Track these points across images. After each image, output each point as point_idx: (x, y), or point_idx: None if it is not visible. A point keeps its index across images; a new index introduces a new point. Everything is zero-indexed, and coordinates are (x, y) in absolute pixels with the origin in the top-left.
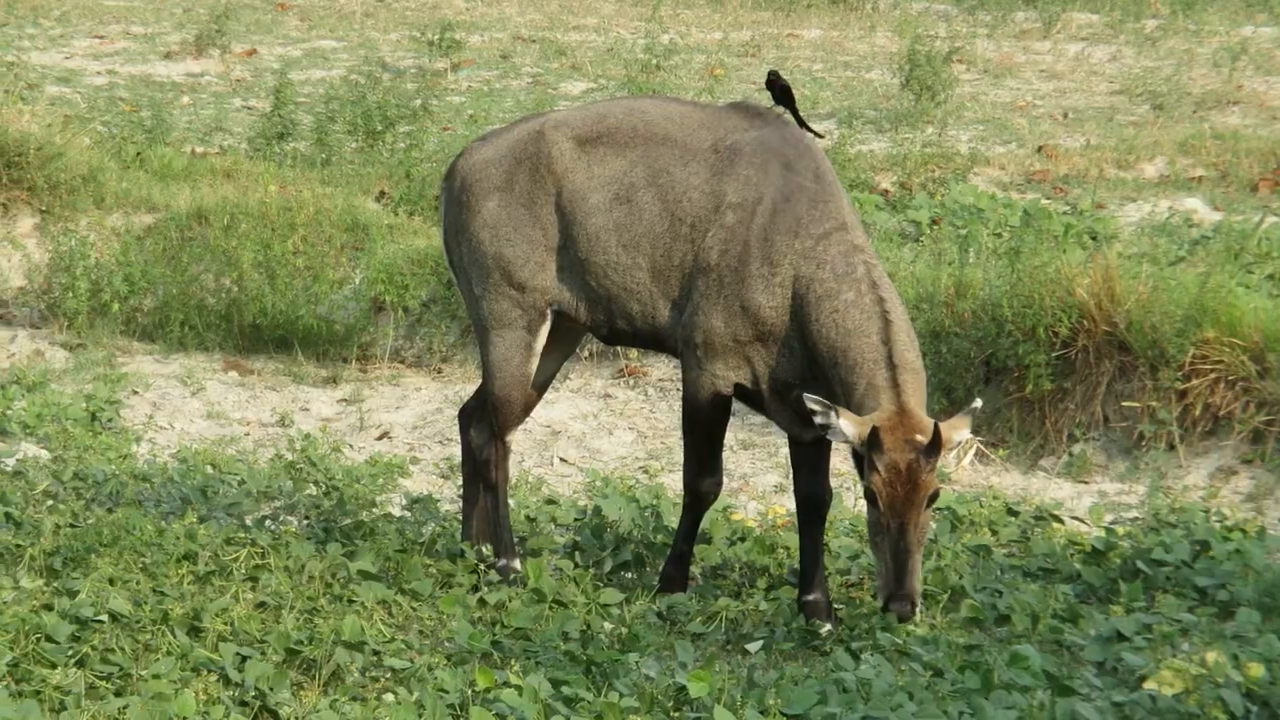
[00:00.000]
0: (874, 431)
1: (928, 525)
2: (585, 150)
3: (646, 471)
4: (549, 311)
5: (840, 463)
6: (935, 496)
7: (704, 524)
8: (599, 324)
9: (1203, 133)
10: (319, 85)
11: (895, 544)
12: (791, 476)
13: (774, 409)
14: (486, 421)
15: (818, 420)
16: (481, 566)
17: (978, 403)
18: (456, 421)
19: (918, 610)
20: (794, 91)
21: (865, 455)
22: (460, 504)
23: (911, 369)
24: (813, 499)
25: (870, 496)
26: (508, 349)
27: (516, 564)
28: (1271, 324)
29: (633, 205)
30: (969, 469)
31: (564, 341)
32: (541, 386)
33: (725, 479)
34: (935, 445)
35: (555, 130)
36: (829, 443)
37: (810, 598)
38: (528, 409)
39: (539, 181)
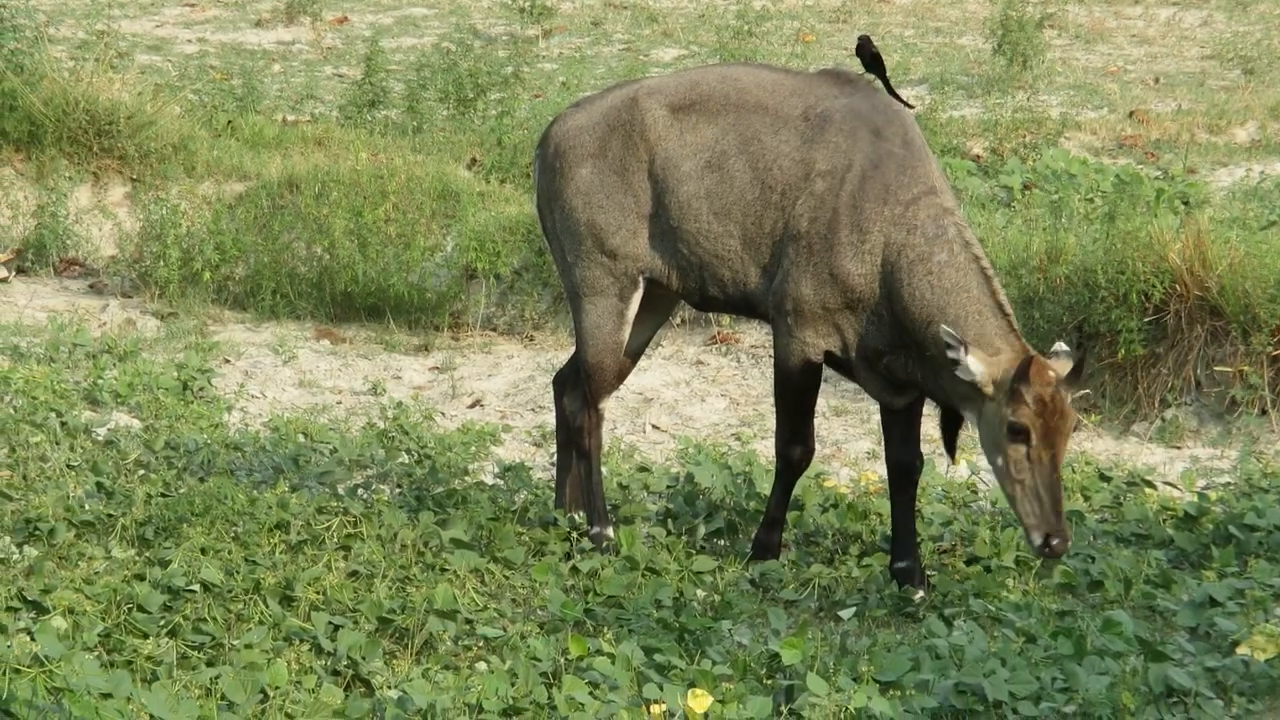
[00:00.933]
0: (1024, 364)
1: None
2: (678, 117)
3: (739, 438)
4: (641, 279)
5: (932, 429)
6: (1077, 427)
7: (796, 491)
8: (691, 291)
9: None
10: (410, 53)
11: (1049, 477)
12: (883, 443)
13: (864, 376)
14: (580, 389)
15: (950, 355)
16: (574, 534)
17: (1060, 346)
18: (549, 389)
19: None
20: (884, 58)
21: (1009, 391)
22: (553, 471)
23: (1013, 317)
24: (904, 465)
25: (1017, 432)
26: (600, 316)
27: (610, 532)
28: None
29: (724, 173)
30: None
31: (657, 309)
32: (635, 354)
33: (818, 445)
34: (1078, 372)
35: (649, 97)
36: (920, 408)
37: (902, 564)
38: (621, 376)
39: (632, 148)
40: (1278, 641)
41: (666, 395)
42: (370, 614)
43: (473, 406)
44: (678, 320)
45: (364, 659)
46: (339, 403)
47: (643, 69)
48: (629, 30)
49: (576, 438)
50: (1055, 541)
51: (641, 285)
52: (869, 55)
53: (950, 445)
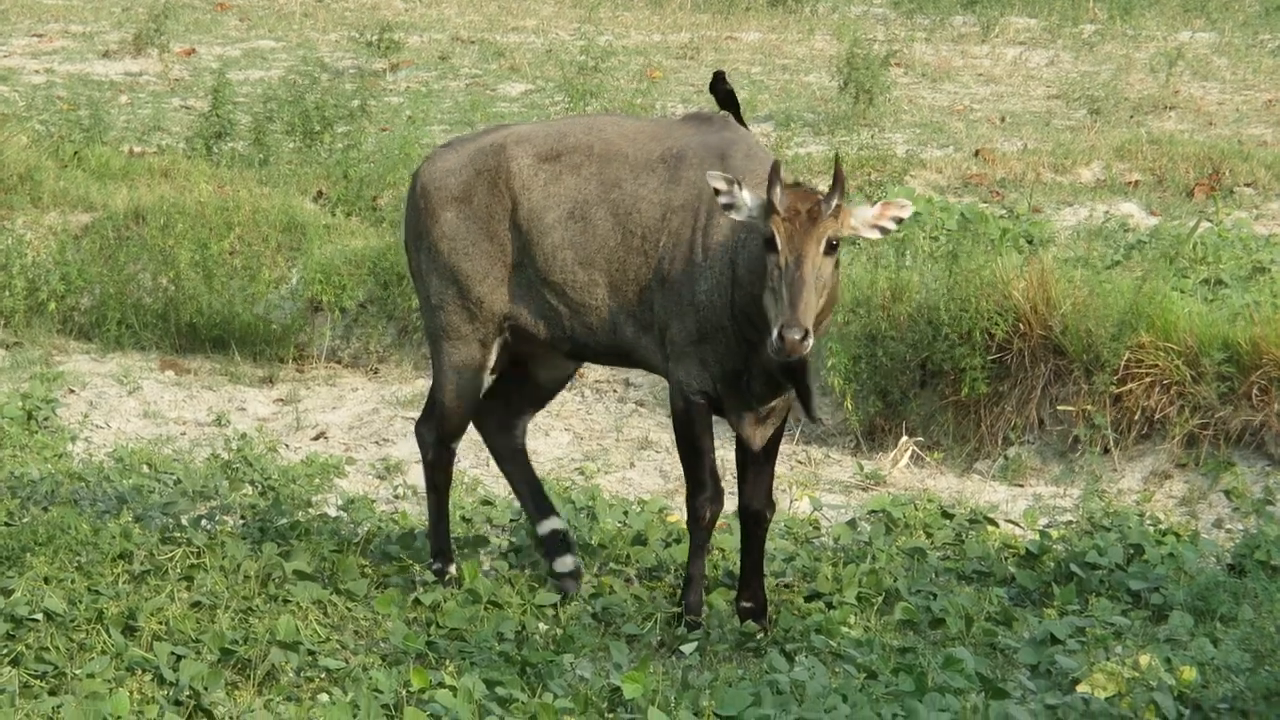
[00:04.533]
0: (773, 171)
1: (830, 277)
2: (543, 167)
3: (583, 473)
4: (505, 326)
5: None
6: (837, 246)
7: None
8: (559, 340)
9: (1139, 137)
10: (257, 85)
11: (791, 279)
12: (737, 487)
13: (731, 405)
14: (434, 423)
15: (722, 200)
16: (416, 566)
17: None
18: (393, 422)
19: (810, 341)
20: (736, 94)
21: (766, 205)
22: (396, 504)
23: None
24: (756, 513)
25: (770, 242)
26: (461, 360)
27: (452, 567)
28: (1205, 329)
29: (587, 222)
30: (904, 471)
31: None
32: (542, 401)
33: (662, 481)
34: (836, 182)
35: (517, 145)
36: (774, 455)
37: (748, 604)
38: (476, 417)
39: (497, 196)
40: (1118, 679)
41: None
42: (213, 645)
43: (316, 439)
44: None
45: (206, 690)
46: (183, 434)
47: (489, 104)
48: (476, 65)
49: (428, 472)
50: (786, 332)
51: (504, 333)
52: (723, 92)
53: (807, 404)
